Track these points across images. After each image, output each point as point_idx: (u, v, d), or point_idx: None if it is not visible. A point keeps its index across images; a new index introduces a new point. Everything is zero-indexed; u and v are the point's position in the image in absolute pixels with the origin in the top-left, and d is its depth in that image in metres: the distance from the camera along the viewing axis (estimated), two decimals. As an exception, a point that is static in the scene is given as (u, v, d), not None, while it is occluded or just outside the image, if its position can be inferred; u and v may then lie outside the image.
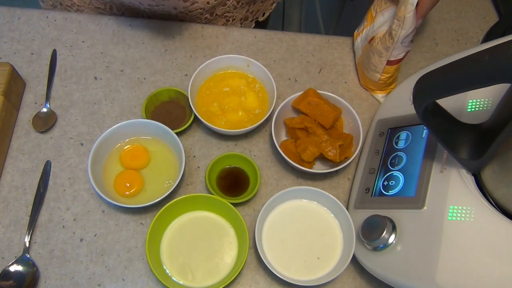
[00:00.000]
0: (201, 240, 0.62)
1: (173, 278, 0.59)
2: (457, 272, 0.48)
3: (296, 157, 0.65)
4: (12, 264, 0.60)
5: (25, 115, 0.70)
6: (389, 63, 0.67)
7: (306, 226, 0.62)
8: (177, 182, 0.61)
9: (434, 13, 0.83)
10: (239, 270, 0.57)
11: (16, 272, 0.59)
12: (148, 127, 0.65)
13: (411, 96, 0.48)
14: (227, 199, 0.62)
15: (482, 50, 0.40)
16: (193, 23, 0.79)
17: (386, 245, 0.55)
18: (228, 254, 0.61)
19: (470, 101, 0.56)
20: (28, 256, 0.60)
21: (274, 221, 0.62)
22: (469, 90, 0.43)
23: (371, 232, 0.56)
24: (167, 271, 0.60)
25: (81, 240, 0.62)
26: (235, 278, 0.59)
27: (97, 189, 0.60)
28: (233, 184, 0.66)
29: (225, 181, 0.66)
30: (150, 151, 0.66)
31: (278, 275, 0.58)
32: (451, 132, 0.50)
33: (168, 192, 0.61)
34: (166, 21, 0.79)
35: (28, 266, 0.59)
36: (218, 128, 0.65)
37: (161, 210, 0.60)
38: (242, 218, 0.60)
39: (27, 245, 0.61)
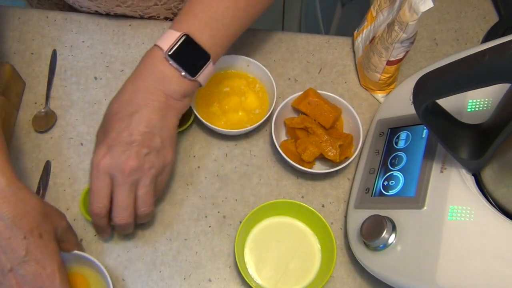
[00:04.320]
0: (283, 245, 0.62)
1: (258, 282, 0.60)
2: (457, 272, 0.48)
3: (296, 157, 0.65)
4: None
5: (25, 115, 0.70)
6: (389, 63, 0.67)
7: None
8: None
9: (434, 13, 0.83)
10: (328, 277, 0.58)
11: None
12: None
13: (411, 96, 0.48)
14: None
15: (482, 50, 0.40)
16: (193, 23, 0.79)
17: (386, 245, 0.55)
18: (311, 260, 0.61)
19: (470, 101, 0.56)
20: None
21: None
22: (469, 90, 0.43)
23: (371, 232, 0.56)
24: (253, 275, 0.60)
25: (81, 240, 0.62)
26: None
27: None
28: None
29: None
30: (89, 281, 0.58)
31: None
32: (451, 132, 0.50)
33: None
34: (166, 21, 0.79)
35: None
36: (218, 128, 0.65)
37: (247, 216, 0.60)
38: (328, 224, 0.60)
39: None
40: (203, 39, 0.56)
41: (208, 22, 0.56)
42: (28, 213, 0.48)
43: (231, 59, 0.70)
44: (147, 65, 0.56)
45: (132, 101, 0.54)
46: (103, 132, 0.56)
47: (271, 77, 0.68)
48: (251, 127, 0.66)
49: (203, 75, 0.57)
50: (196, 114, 0.66)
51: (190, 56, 0.55)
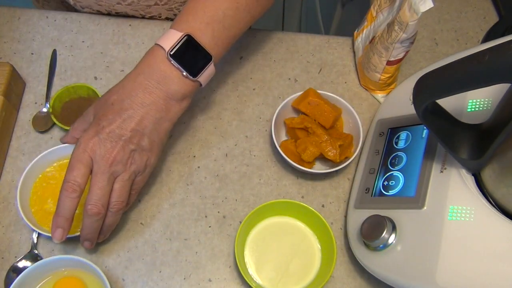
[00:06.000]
0: (283, 245, 0.62)
1: (259, 282, 0.60)
2: (457, 272, 0.48)
3: (296, 157, 0.65)
4: (20, 259, 0.60)
5: (25, 115, 0.70)
6: (389, 63, 0.67)
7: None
8: None
9: (434, 13, 0.83)
10: (328, 277, 0.57)
11: (25, 268, 0.58)
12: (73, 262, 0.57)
13: (411, 96, 0.48)
14: None
15: (482, 50, 0.40)
16: (193, 23, 0.79)
17: (386, 245, 0.55)
18: (311, 260, 0.61)
19: (470, 101, 0.56)
20: (36, 252, 0.61)
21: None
22: (469, 90, 0.43)
23: (371, 232, 0.56)
24: (253, 275, 0.60)
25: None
26: None
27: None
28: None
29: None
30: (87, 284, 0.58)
31: None
32: (451, 132, 0.50)
33: None
34: (166, 21, 0.79)
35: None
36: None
37: (247, 216, 0.60)
38: (328, 224, 0.60)
39: (35, 241, 0.61)
40: (205, 39, 0.56)
41: (209, 23, 0.56)
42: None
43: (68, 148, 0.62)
44: (148, 64, 0.56)
45: (130, 97, 0.54)
46: (95, 115, 0.56)
47: None
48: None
49: (204, 76, 0.57)
50: (23, 217, 0.57)
51: (191, 56, 0.55)
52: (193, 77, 0.56)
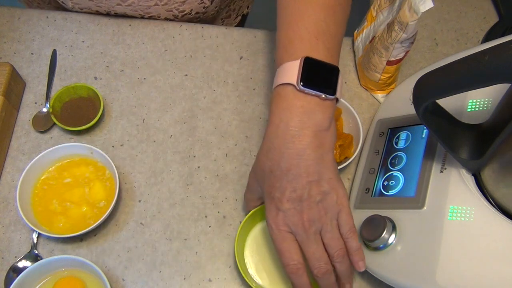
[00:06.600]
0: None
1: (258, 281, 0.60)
2: (457, 272, 0.48)
3: (296, 157, 0.65)
4: (20, 259, 0.60)
5: (25, 115, 0.70)
6: (389, 63, 0.67)
7: None
8: None
9: (434, 13, 0.83)
10: None
11: (25, 268, 0.58)
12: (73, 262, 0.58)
13: (411, 96, 0.48)
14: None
15: (482, 50, 0.40)
16: (193, 23, 0.79)
17: (386, 245, 0.55)
18: None
19: (470, 101, 0.56)
20: (36, 252, 0.61)
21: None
22: (469, 90, 0.43)
23: (371, 232, 0.56)
24: (253, 275, 0.60)
25: (81, 240, 0.62)
26: None
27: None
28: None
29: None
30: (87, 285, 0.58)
31: None
32: (451, 132, 0.50)
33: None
34: (166, 21, 0.79)
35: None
36: (51, 234, 0.59)
37: (247, 216, 0.60)
38: None
39: (35, 241, 0.61)
40: (322, 54, 0.52)
41: (318, 38, 0.53)
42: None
43: (74, 148, 0.64)
44: (282, 109, 0.51)
45: (283, 156, 0.51)
46: (262, 188, 0.55)
47: (113, 164, 0.62)
48: (94, 224, 0.60)
49: (339, 90, 0.53)
50: (23, 217, 0.58)
51: (321, 76, 0.51)
52: (332, 96, 0.51)
